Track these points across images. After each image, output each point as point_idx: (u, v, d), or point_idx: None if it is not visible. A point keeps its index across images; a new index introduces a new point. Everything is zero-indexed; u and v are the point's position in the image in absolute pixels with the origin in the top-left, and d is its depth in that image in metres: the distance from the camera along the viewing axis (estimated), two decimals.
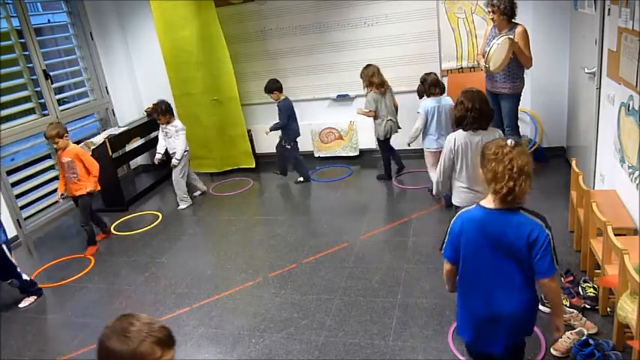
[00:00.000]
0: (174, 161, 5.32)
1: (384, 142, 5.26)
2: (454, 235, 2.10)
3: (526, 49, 4.33)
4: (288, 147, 5.58)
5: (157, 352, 1.34)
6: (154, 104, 5.35)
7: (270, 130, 5.52)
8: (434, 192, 3.60)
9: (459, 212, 2.14)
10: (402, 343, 2.96)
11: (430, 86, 4.50)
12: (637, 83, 2.95)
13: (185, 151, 5.35)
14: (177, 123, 5.32)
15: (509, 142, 2.05)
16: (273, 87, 5.39)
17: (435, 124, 4.49)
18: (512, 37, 4.18)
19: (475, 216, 2.05)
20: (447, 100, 4.53)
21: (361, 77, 5.11)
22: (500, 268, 2.01)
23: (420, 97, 4.66)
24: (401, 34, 5.52)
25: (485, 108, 3.04)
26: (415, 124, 4.56)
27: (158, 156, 5.48)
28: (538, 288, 2.03)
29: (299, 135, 5.62)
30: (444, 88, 4.64)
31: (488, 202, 2.03)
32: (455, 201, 3.19)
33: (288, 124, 5.46)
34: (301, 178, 5.69)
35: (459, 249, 2.09)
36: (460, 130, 3.10)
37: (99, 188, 4.73)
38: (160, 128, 5.41)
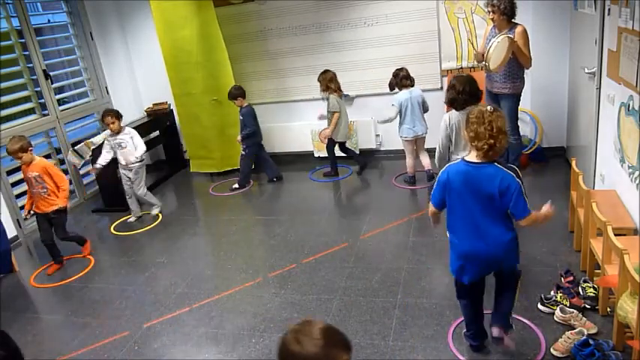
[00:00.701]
0: (135, 160, 5.00)
1: (339, 144, 5.57)
2: (441, 185, 2.52)
3: (525, 49, 4.33)
4: (244, 153, 5.62)
5: (344, 355, 1.40)
6: (104, 112, 4.96)
7: (243, 140, 5.53)
8: (437, 165, 3.77)
9: (447, 166, 2.53)
10: (402, 343, 2.96)
11: (402, 79, 4.88)
12: (637, 83, 2.95)
13: (144, 155, 5.05)
14: (128, 130, 5.01)
15: (488, 107, 2.37)
16: (237, 93, 5.42)
17: (409, 114, 4.89)
18: (511, 36, 4.18)
19: (460, 169, 2.45)
20: (417, 92, 4.92)
21: (319, 81, 5.39)
22: (480, 211, 2.41)
23: (392, 89, 5.01)
24: (401, 34, 5.52)
25: (473, 90, 3.43)
26: (388, 114, 4.96)
27: (98, 166, 5.06)
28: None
29: (262, 139, 5.72)
30: (414, 80, 4.96)
31: (471, 157, 2.42)
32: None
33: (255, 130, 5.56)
34: (236, 185, 5.70)
35: (444, 196, 2.52)
36: (453, 110, 3.52)
37: (68, 204, 4.43)
38: (106, 142, 5.04)
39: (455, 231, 2.56)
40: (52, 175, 4.26)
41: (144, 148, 5.05)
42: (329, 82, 5.33)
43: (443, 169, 2.54)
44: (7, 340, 2.72)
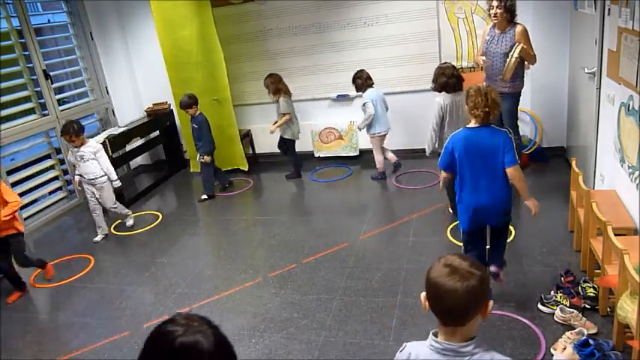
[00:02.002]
0: (116, 184, 4.86)
1: (293, 143, 5.69)
2: (447, 151, 3.00)
3: (530, 48, 4.34)
4: (207, 162, 5.46)
5: None
6: (63, 128, 4.63)
7: (206, 155, 5.38)
8: (427, 151, 4.23)
9: (452, 134, 2.99)
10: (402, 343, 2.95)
11: (367, 79, 5.15)
12: (637, 83, 2.95)
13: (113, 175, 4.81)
14: (92, 143, 4.73)
15: (484, 83, 3.00)
16: (191, 102, 5.28)
17: (380, 110, 5.15)
18: (525, 46, 4.24)
19: (462, 135, 2.95)
20: (380, 90, 5.23)
21: (266, 86, 5.43)
22: (483, 168, 2.91)
23: (359, 90, 5.24)
24: (401, 34, 5.52)
25: (458, 74, 4.10)
26: (367, 112, 5.10)
27: (77, 178, 4.82)
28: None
29: (215, 148, 5.55)
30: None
31: (471, 124, 2.94)
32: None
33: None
34: (205, 196, 5.55)
35: (451, 161, 2.97)
36: (444, 93, 4.05)
37: (22, 229, 4.09)
38: (71, 152, 4.78)
39: (463, 188, 3.01)
40: (2, 193, 3.83)
41: (111, 169, 4.79)
42: (279, 83, 5.42)
43: (447, 139, 3.06)
44: None
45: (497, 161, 2.87)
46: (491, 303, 1.42)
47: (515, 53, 4.20)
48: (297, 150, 5.92)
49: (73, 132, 4.55)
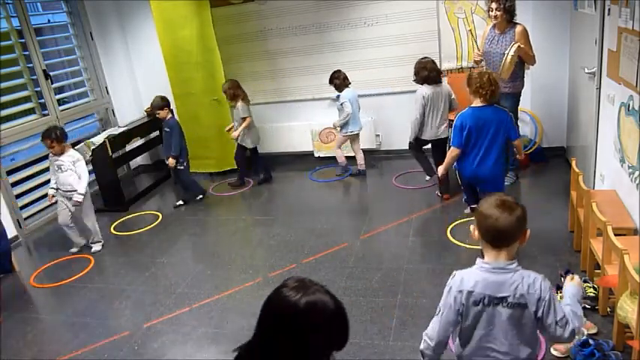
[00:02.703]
0: (77, 197, 4.39)
1: (255, 149, 5.66)
2: (458, 128, 3.50)
3: (529, 49, 4.34)
4: (182, 167, 5.36)
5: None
6: (43, 134, 4.39)
7: (176, 160, 5.27)
8: (411, 138, 4.73)
9: (459, 114, 3.53)
10: (402, 343, 2.96)
11: (344, 79, 5.24)
12: (637, 83, 2.95)
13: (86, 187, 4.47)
14: (73, 153, 4.49)
15: (484, 69, 3.54)
16: (163, 104, 5.19)
17: (356, 110, 5.31)
18: (522, 45, 4.23)
19: (470, 113, 3.45)
20: (356, 91, 5.35)
21: (224, 92, 5.42)
22: (487, 142, 3.45)
23: (338, 90, 5.29)
24: (401, 34, 5.52)
25: (438, 68, 4.57)
26: (345, 112, 5.23)
27: (52, 192, 4.52)
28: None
29: (187, 154, 5.46)
30: None
31: (476, 103, 3.46)
32: (425, 137, 4.69)
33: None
34: (181, 202, 5.46)
35: (463, 137, 3.46)
36: (426, 85, 4.49)
37: None
38: (50, 160, 4.55)
39: (466, 158, 3.56)
40: None
41: (87, 178, 4.46)
42: (237, 89, 5.39)
43: (456, 117, 3.55)
44: None
45: (500, 135, 3.46)
46: (528, 232, 1.79)
47: (511, 51, 4.19)
48: (297, 150, 5.92)
49: (55, 138, 4.30)
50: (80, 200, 4.41)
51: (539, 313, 1.73)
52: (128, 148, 6.13)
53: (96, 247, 4.70)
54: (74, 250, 4.70)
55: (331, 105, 6.09)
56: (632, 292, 2.37)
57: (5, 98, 5.19)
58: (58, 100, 5.81)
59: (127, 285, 4.06)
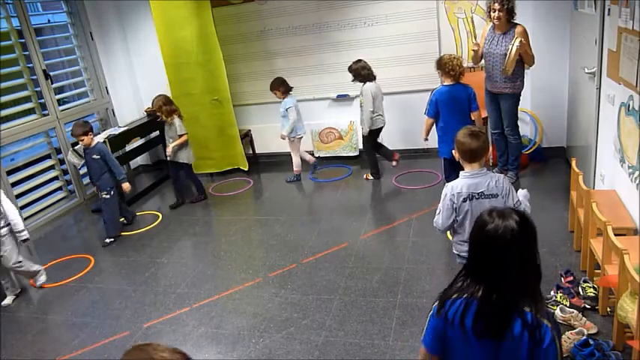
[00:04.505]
0: (21, 236, 3.89)
1: (190, 166, 5.46)
2: (433, 103, 4.17)
3: (529, 48, 4.34)
4: (108, 197, 4.78)
5: None
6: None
7: (127, 182, 4.86)
8: (364, 132, 5.20)
9: (435, 91, 4.18)
10: (402, 343, 2.96)
11: (287, 86, 5.43)
12: (637, 83, 2.95)
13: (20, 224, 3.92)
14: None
15: (454, 54, 4.25)
16: (86, 129, 4.61)
17: (299, 115, 5.49)
18: (523, 40, 4.23)
19: (445, 90, 4.13)
20: (295, 98, 5.53)
21: (157, 107, 5.15)
22: (458, 114, 4.10)
23: (283, 96, 5.43)
24: (401, 34, 5.52)
25: (368, 66, 5.06)
26: (290, 119, 5.38)
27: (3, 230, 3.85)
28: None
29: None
30: None
31: (448, 82, 4.13)
32: (375, 126, 5.17)
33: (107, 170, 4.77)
34: (112, 239, 4.85)
35: (437, 111, 4.16)
36: (368, 82, 5.03)
37: None
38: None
39: (445, 131, 4.14)
40: None
41: (16, 217, 3.88)
42: (171, 105, 5.19)
43: (432, 93, 4.20)
44: None
45: (467, 108, 4.15)
46: (490, 149, 2.65)
47: (516, 43, 4.19)
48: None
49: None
50: (26, 237, 3.96)
51: (505, 198, 2.56)
52: (128, 148, 6.13)
53: (40, 280, 4.17)
54: (8, 300, 4.01)
55: (331, 105, 6.10)
56: (632, 292, 2.37)
57: (5, 98, 5.18)
58: (58, 100, 5.81)
59: (127, 285, 4.06)
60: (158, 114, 5.20)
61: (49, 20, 8.24)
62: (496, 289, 1.42)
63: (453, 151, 2.65)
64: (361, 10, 5.57)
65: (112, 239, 4.84)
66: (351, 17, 5.63)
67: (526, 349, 1.41)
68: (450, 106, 4.12)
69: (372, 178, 5.47)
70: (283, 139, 5.54)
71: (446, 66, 4.08)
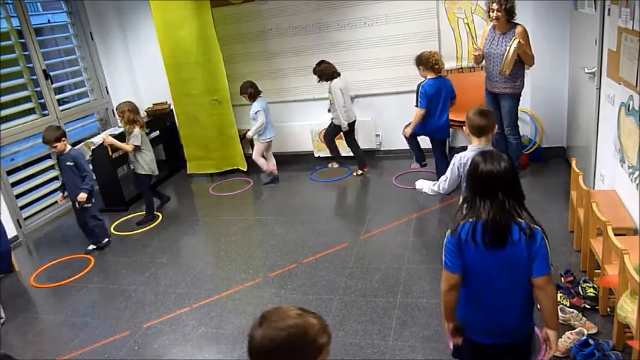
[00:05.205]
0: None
1: (149, 178, 5.22)
2: (424, 95, 4.51)
3: (528, 49, 4.34)
4: (90, 205, 4.58)
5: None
6: None
7: (86, 202, 4.49)
8: (343, 127, 5.35)
9: (422, 84, 4.54)
10: (402, 343, 2.96)
11: (257, 89, 5.49)
12: (637, 83, 2.95)
13: None
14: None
15: (433, 50, 4.62)
16: (58, 134, 4.37)
17: (269, 118, 5.54)
18: (522, 41, 4.22)
19: (431, 83, 4.50)
20: (265, 100, 5.61)
21: (121, 115, 4.98)
22: (442, 103, 4.56)
23: (251, 100, 5.49)
24: (401, 34, 5.52)
25: (332, 65, 5.27)
26: (258, 121, 5.43)
27: None
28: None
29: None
30: None
31: (430, 76, 4.51)
32: (350, 120, 5.39)
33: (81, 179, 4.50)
34: (93, 246, 4.70)
35: (427, 100, 4.52)
36: (334, 80, 5.22)
37: None
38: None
39: (431, 117, 4.60)
40: None
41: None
42: (136, 115, 5.01)
43: (420, 86, 4.54)
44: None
45: (449, 97, 4.58)
46: (496, 127, 3.05)
47: (514, 44, 4.18)
48: (297, 150, 5.92)
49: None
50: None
51: None
52: None
53: None
54: None
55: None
56: (632, 292, 2.37)
57: (5, 98, 5.19)
58: (58, 100, 5.82)
59: (127, 285, 4.06)
60: (118, 118, 5.01)
61: (49, 20, 8.25)
62: (495, 209, 1.85)
63: (464, 127, 2.99)
64: (361, 10, 5.57)
65: (95, 246, 4.66)
66: (351, 17, 5.63)
67: (524, 248, 1.86)
68: (436, 97, 4.53)
69: (361, 172, 5.59)
70: (249, 138, 5.61)
71: (429, 61, 4.43)
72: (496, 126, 2.99)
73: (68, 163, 4.43)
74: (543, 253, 1.88)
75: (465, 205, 1.96)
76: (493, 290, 1.93)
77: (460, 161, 2.98)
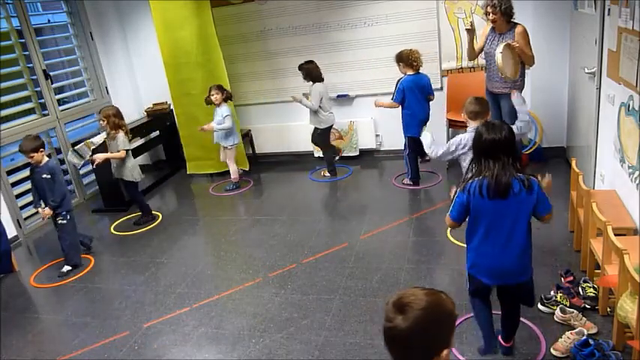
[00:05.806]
0: None
1: (135, 185, 5.13)
2: (400, 91, 4.80)
3: (528, 49, 4.33)
4: (65, 222, 4.29)
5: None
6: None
7: (55, 213, 4.24)
8: (321, 127, 5.46)
9: (401, 80, 4.81)
10: None
11: (228, 93, 5.54)
12: (637, 83, 2.95)
13: None
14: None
15: (413, 48, 4.80)
16: (37, 144, 4.13)
17: (234, 123, 5.60)
18: (510, 42, 4.19)
19: (410, 79, 4.77)
20: (231, 106, 5.64)
21: (106, 120, 4.86)
22: (422, 99, 4.83)
23: (219, 105, 5.46)
24: (401, 34, 5.52)
25: (319, 68, 5.34)
26: (225, 125, 5.45)
27: None
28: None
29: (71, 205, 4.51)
30: None
31: (409, 72, 4.76)
32: (329, 124, 5.51)
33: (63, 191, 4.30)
34: (69, 268, 4.35)
35: (403, 97, 4.80)
36: (317, 84, 5.31)
37: None
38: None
39: (412, 117, 4.82)
40: None
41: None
42: (121, 119, 4.94)
43: (399, 82, 4.82)
44: None
45: (426, 93, 4.84)
46: (490, 115, 3.42)
47: (499, 49, 4.14)
48: (297, 150, 5.91)
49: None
50: None
51: None
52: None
53: None
54: None
55: (332, 105, 6.09)
56: (632, 292, 2.37)
57: (5, 98, 5.19)
58: (58, 100, 5.82)
59: (127, 285, 4.06)
60: (102, 123, 4.92)
61: (49, 20, 8.26)
62: (498, 168, 2.29)
63: (462, 114, 3.35)
64: (361, 10, 5.57)
65: (70, 268, 4.34)
66: (351, 17, 5.63)
67: (524, 198, 2.32)
68: (415, 93, 4.78)
69: (329, 175, 5.69)
70: (209, 130, 5.52)
71: (408, 58, 4.71)
72: (490, 112, 3.38)
73: (44, 176, 4.15)
74: (543, 197, 2.35)
75: (472, 167, 2.41)
76: (497, 234, 2.40)
77: (460, 142, 3.35)
